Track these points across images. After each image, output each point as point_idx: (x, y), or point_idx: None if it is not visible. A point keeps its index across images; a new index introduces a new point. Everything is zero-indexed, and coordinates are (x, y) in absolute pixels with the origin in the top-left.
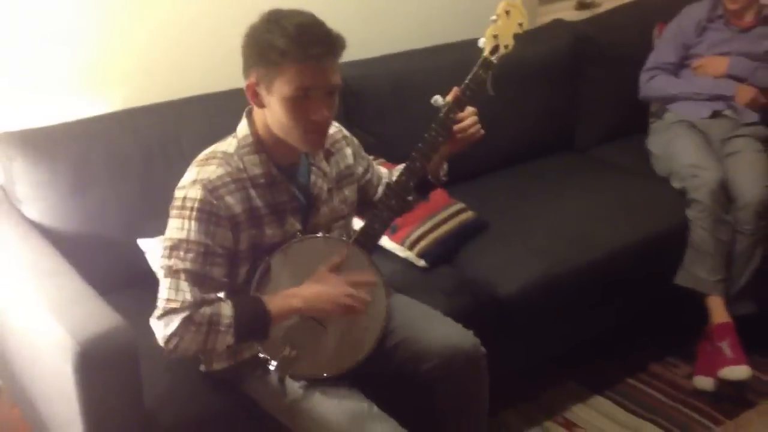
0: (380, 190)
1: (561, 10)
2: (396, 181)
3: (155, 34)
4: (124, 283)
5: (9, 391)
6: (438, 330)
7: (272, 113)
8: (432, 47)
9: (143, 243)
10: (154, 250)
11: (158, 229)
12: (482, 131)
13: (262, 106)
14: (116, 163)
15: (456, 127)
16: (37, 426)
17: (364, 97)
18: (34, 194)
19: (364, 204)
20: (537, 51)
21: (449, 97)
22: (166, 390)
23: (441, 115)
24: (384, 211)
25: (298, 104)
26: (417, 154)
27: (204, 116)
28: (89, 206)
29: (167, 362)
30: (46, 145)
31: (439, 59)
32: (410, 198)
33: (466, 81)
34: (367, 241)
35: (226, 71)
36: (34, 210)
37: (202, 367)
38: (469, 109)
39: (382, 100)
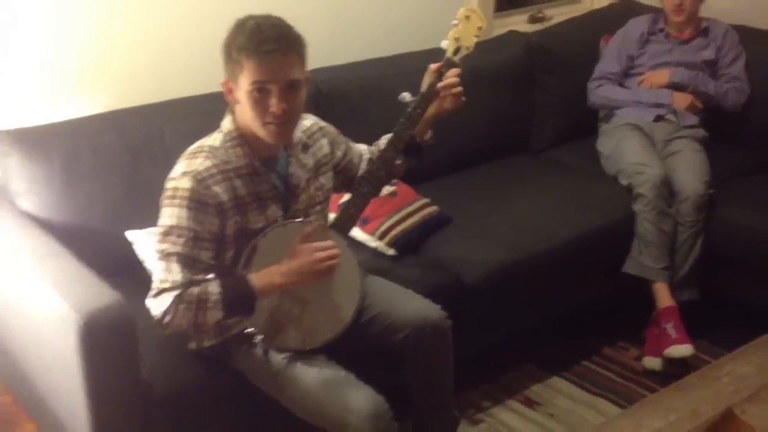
0: (362, 166)
1: (515, 23)
2: (370, 170)
3: (140, 41)
4: (114, 272)
5: (2, 378)
6: (409, 304)
7: (242, 108)
8: (397, 55)
9: (131, 234)
10: (141, 241)
11: (144, 222)
12: (463, 97)
13: (236, 101)
14: (104, 160)
15: (440, 85)
16: (35, 406)
17: (334, 100)
18: (28, 188)
19: (349, 181)
20: (493, 60)
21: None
22: (159, 364)
23: (409, 110)
24: (358, 197)
25: (257, 98)
26: (388, 146)
27: (185, 117)
28: (80, 200)
29: (159, 339)
30: (39, 142)
31: (404, 66)
32: (398, 162)
33: (431, 80)
34: (344, 224)
35: (206, 76)
36: (29, 203)
37: (192, 345)
38: (453, 71)
39: (351, 103)
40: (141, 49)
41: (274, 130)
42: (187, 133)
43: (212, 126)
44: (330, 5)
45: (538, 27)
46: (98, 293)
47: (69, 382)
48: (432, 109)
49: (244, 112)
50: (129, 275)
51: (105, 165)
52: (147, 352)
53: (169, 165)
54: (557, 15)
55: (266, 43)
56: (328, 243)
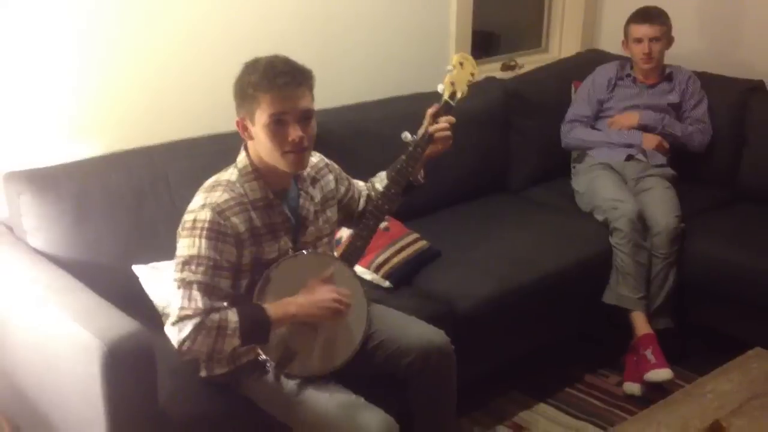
0: (361, 202)
1: (489, 71)
2: (375, 205)
3: (146, 85)
4: (121, 305)
5: (8, 414)
6: (414, 330)
7: (259, 142)
8: (383, 99)
9: (137, 269)
10: (146, 275)
11: (150, 257)
12: (451, 140)
13: (251, 138)
14: (111, 198)
15: (431, 129)
16: None
17: (324, 142)
18: (39, 226)
19: (350, 216)
20: (473, 105)
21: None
22: (173, 392)
23: (410, 148)
24: (365, 230)
25: (276, 129)
26: (391, 182)
27: (189, 158)
28: (88, 236)
29: (171, 368)
30: (50, 182)
31: (390, 110)
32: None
33: (429, 122)
34: (351, 256)
35: (209, 118)
36: (39, 240)
37: (203, 373)
38: (445, 117)
39: (341, 145)
40: (148, 93)
41: (293, 159)
42: (191, 173)
43: (215, 166)
44: (318, 52)
45: (509, 74)
46: (119, 322)
47: (88, 412)
48: (427, 150)
49: (260, 147)
50: (135, 308)
51: (112, 203)
52: (161, 380)
53: (173, 203)
54: (528, 63)
55: (281, 77)
56: (344, 291)
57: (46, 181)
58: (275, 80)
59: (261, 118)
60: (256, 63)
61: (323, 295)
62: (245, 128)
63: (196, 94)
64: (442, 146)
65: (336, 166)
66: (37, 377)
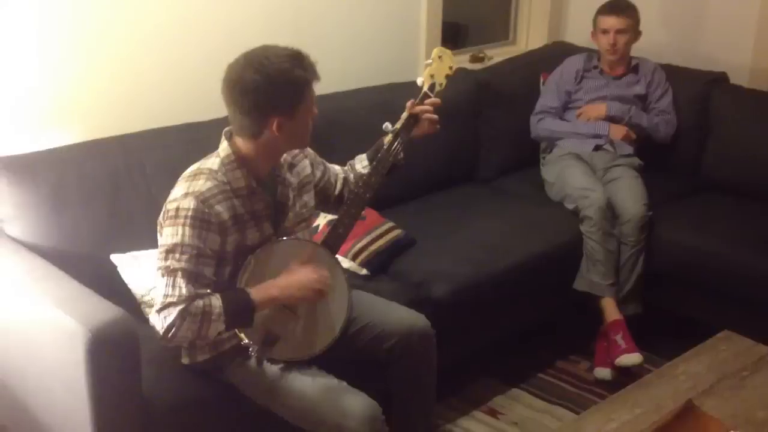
0: (338, 185)
1: (458, 62)
2: (357, 193)
3: (122, 74)
4: (99, 293)
5: None
6: (395, 314)
7: (294, 130)
8: (355, 89)
9: (115, 258)
10: (125, 264)
11: (128, 246)
12: (437, 124)
13: (279, 133)
14: (88, 186)
15: (418, 109)
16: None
17: None
18: (15, 214)
19: (327, 200)
20: (445, 95)
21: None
22: (156, 379)
23: (391, 138)
24: (347, 217)
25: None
26: (372, 171)
27: (164, 146)
28: (66, 225)
29: (153, 355)
30: (26, 170)
31: (362, 100)
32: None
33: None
34: (333, 243)
35: (184, 107)
36: (16, 228)
37: (185, 360)
38: (431, 100)
39: (314, 135)
40: (123, 81)
41: (311, 133)
42: (166, 161)
43: (191, 155)
44: (290, 43)
45: (478, 66)
46: (103, 308)
47: (72, 400)
48: (413, 132)
49: (288, 136)
50: (113, 297)
51: (89, 191)
52: (142, 368)
53: (150, 191)
54: (496, 55)
55: (313, 65)
56: (324, 272)
57: (22, 169)
58: (315, 68)
59: (304, 107)
60: (296, 56)
61: (304, 275)
62: (279, 125)
63: (171, 83)
64: (429, 129)
65: (311, 150)
66: (18, 368)
